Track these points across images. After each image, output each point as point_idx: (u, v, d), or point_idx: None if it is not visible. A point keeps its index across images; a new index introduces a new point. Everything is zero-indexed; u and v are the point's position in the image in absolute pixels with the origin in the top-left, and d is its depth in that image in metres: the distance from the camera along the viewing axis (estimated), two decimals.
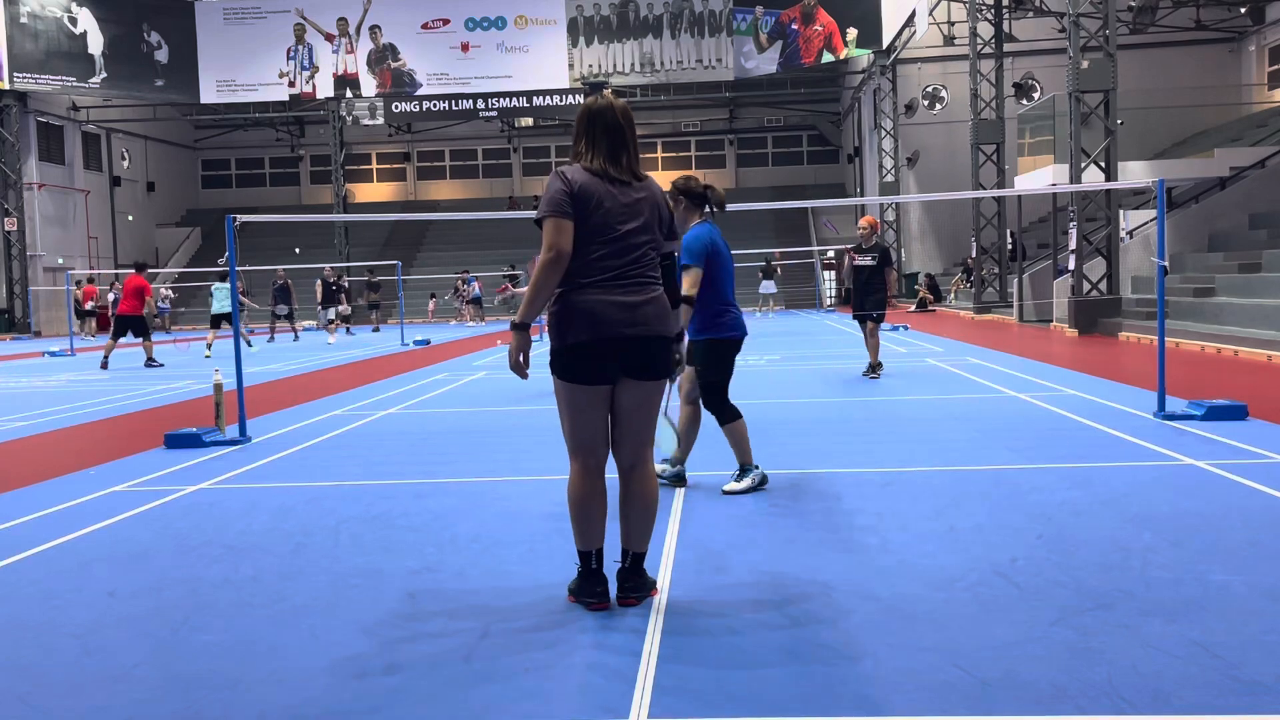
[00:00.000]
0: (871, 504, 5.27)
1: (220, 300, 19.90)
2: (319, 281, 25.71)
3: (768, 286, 32.52)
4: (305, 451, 7.60)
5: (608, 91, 3.81)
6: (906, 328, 21.32)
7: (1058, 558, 4.16)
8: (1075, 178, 18.85)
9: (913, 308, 31.76)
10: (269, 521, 5.30)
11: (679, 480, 5.93)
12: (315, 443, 7.99)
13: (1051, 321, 21.63)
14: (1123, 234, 21.60)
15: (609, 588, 3.76)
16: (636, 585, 3.78)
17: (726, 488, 5.68)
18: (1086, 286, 19.28)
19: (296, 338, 24.98)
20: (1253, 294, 15.91)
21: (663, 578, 4.08)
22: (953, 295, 32.33)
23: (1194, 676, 2.94)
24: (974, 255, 27.84)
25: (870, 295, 11.63)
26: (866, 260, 11.62)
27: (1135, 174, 22.59)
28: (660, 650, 3.28)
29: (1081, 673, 2.98)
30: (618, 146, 3.70)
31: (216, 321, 19.87)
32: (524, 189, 48.75)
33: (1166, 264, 7.99)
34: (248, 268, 32.84)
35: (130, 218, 42.92)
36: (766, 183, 46.67)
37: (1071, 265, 19.60)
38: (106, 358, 17.06)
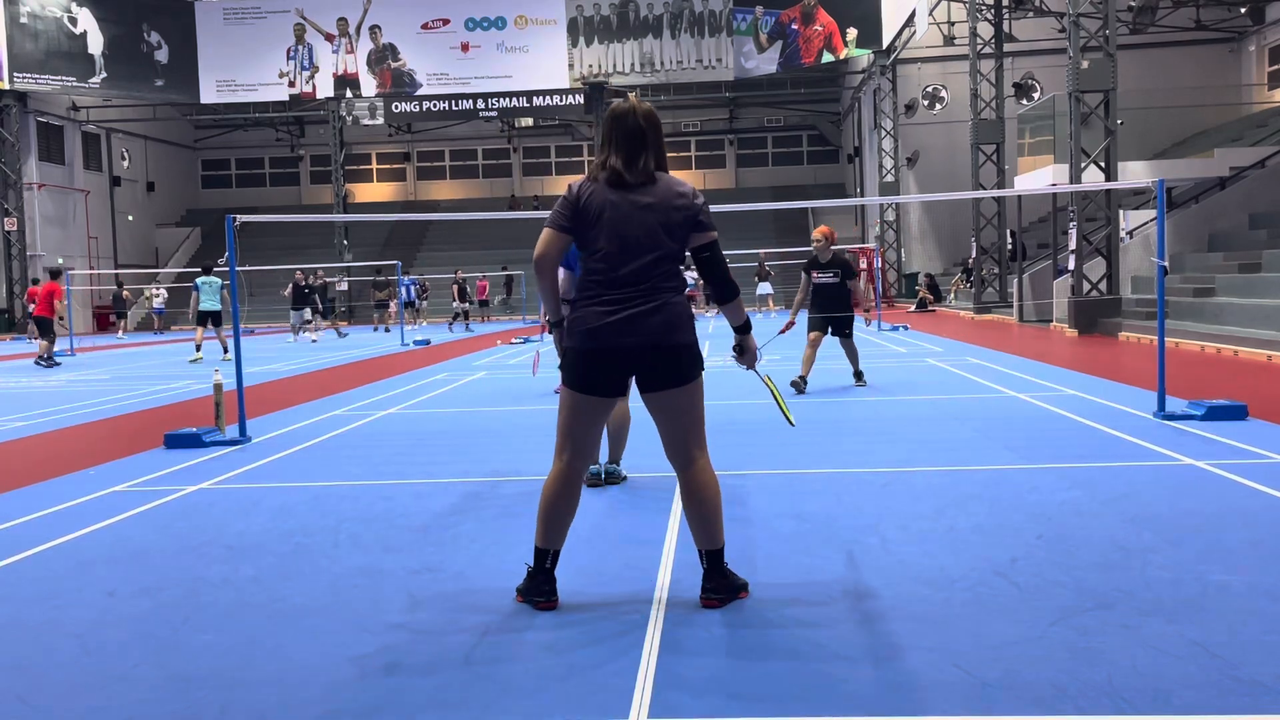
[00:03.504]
0: (871, 504, 5.27)
1: (208, 296, 18.63)
2: (290, 284, 25.54)
3: (764, 288, 32.54)
4: (305, 451, 7.60)
5: (634, 95, 3.77)
6: (906, 328, 21.32)
7: (1058, 558, 4.16)
8: (1075, 178, 18.85)
9: (913, 308, 31.76)
10: (269, 521, 5.30)
11: (599, 479, 5.95)
12: (315, 443, 7.99)
13: (1051, 321, 21.63)
14: (1123, 234, 21.62)
15: (556, 587, 3.77)
16: (718, 586, 3.74)
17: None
18: (1086, 286, 19.28)
19: (326, 337, 25.07)
20: (1253, 294, 15.91)
21: (663, 577, 4.08)
22: (953, 295, 32.33)
23: (1194, 676, 2.93)
24: (974, 255, 27.84)
25: (838, 313, 10.60)
26: (828, 277, 10.54)
27: (1135, 174, 22.59)
28: (660, 650, 3.28)
29: (1081, 673, 2.98)
30: (635, 151, 3.68)
31: (203, 319, 18.62)
32: (524, 189, 48.74)
33: (1166, 264, 7.99)
34: (247, 268, 32.85)
35: (130, 218, 42.93)
36: (766, 183, 46.67)
37: (1071, 265, 19.61)
38: (46, 355, 17.98)
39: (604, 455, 6.04)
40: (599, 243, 3.65)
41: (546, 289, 3.77)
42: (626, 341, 3.61)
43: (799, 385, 10.44)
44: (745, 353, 3.96)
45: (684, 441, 3.74)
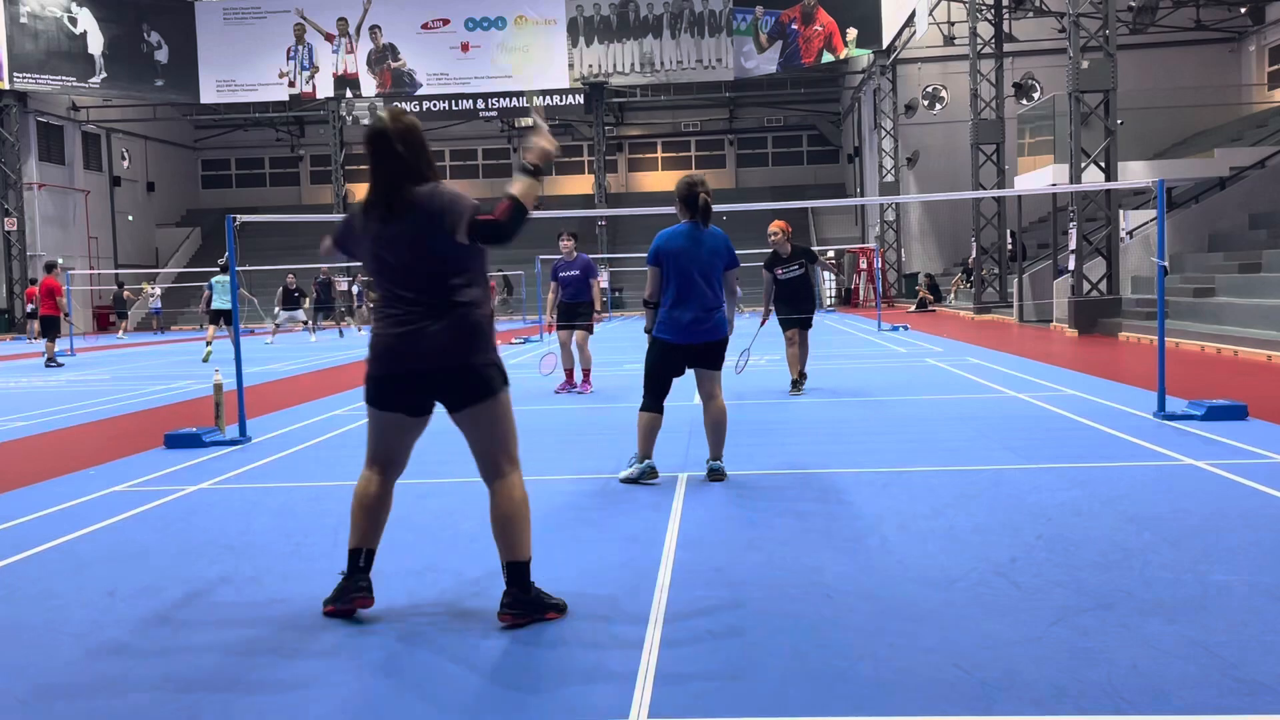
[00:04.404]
0: (871, 504, 5.27)
1: (220, 295, 19.03)
2: (281, 288, 25.57)
3: None
4: (305, 451, 7.60)
5: (384, 110, 3.65)
6: (906, 328, 21.32)
7: (1058, 558, 4.16)
8: (1075, 178, 18.85)
9: (913, 308, 31.77)
10: (269, 521, 5.30)
11: (648, 474, 6.01)
12: (315, 443, 7.99)
13: (1051, 321, 21.63)
14: (1123, 234, 21.62)
15: (371, 586, 3.75)
16: (516, 601, 3.59)
17: (620, 475, 6.08)
18: (1086, 286, 19.28)
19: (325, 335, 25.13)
20: (1253, 294, 15.91)
21: (663, 577, 4.08)
22: (953, 295, 32.33)
23: (1194, 676, 2.94)
24: (974, 255, 27.84)
25: (803, 303, 10.36)
26: (793, 270, 10.21)
27: (1135, 174, 22.60)
28: (660, 650, 3.28)
29: (1081, 673, 2.98)
30: (372, 173, 3.57)
31: (216, 317, 19.09)
32: None
33: (1166, 264, 7.99)
34: (247, 267, 32.85)
35: (130, 218, 42.93)
36: (766, 183, 46.66)
37: (1071, 265, 19.61)
38: (51, 356, 18.06)
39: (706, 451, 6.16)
40: (370, 266, 3.65)
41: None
42: (411, 366, 3.54)
43: (798, 385, 10.40)
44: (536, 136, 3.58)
45: (489, 456, 3.68)
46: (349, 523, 3.82)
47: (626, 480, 5.99)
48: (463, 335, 3.53)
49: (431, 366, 3.53)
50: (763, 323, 10.36)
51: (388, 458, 3.80)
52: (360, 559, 3.75)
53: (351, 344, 23.14)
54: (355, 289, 31.76)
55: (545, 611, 3.62)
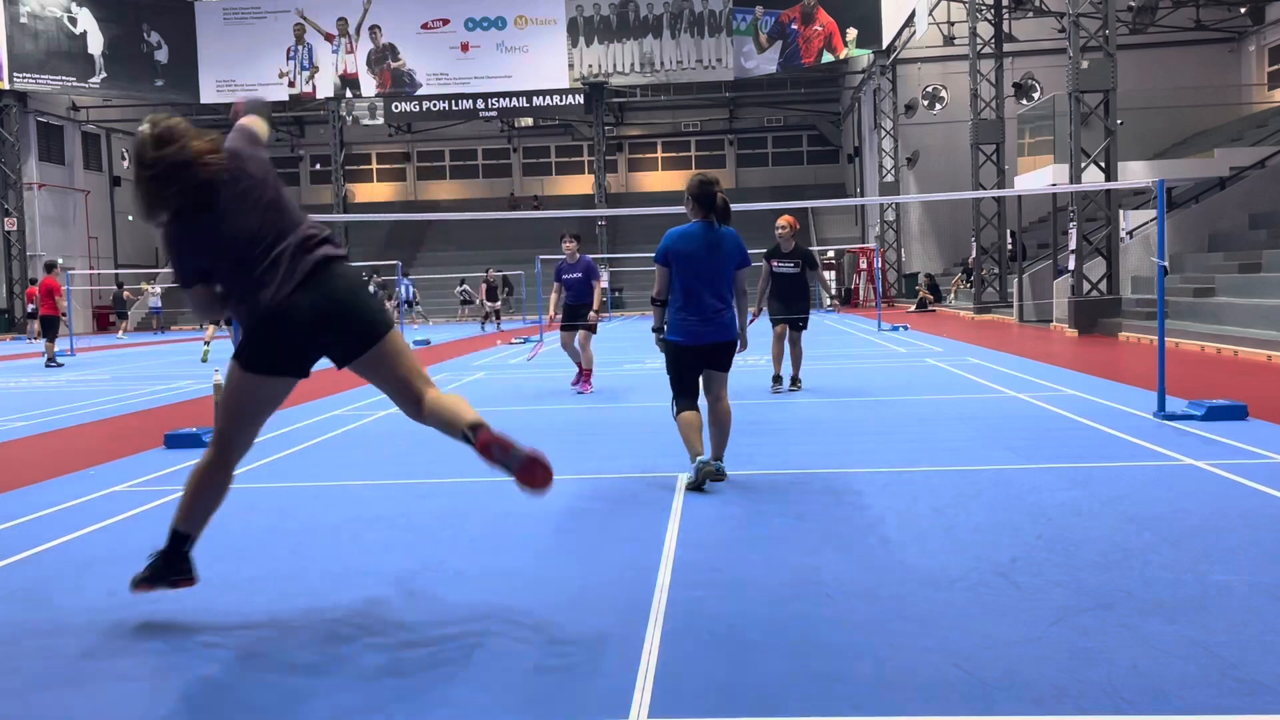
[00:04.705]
0: (871, 504, 5.27)
1: None
2: None
3: None
4: (305, 451, 7.60)
5: (144, 125, 3.58)
6: (906, 328, 21.32)
7: (1058, 558, 4.16)
8: (1075, 178, 18.86)
9: (913, 308, 31.77)
10: (269, 521, 5.30)
11: (716, 475, 5.86)
12: (315, 443, 7.99)
13: (1051, 321, 21.64)
14: (1123, 234, 21.62)
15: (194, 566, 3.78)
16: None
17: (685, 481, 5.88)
18: (1086, 286, 19.29)
19: None
20: (1253, 294, 15.91)
21: (663, 577, 4.08)
22: (953, 295, 32.34)
23: (1194, 676, 2.94)
24: (974, 255, 27.85)
25: (795, 302, 10.45)
26: (788, 267, 10.37)
27: (1135, 174, 22.60)
28: (660, 650, 3.28)
29: (1081, 673, 2.98)
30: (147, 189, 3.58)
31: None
32: (524, 189, 48.75)
33: (1166, 264, 7.99)
34: None
35: (130, 218, 42.90)
36: (766, 183, 46.68)
37: (1071, 265, 19.61)
38: (50, 356, 18.26)
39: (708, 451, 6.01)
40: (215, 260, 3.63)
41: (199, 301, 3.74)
42: (306, 301, 3.55)
43: (779, 382, 10.47)
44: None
45: (410, 384, 3.74)
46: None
47: (691, 487, 5.75)
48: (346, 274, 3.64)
49: (327, 305, 3.61)
50: (754, 318, 10.33)
51: (246, 438, 3.81)
52: (187, 544, 3.77)
53: None
54: (373, 289, 31.80)
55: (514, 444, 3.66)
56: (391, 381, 3.75)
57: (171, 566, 3.75)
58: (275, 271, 3.57)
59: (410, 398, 3.75)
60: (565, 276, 11.06)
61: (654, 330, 6.20)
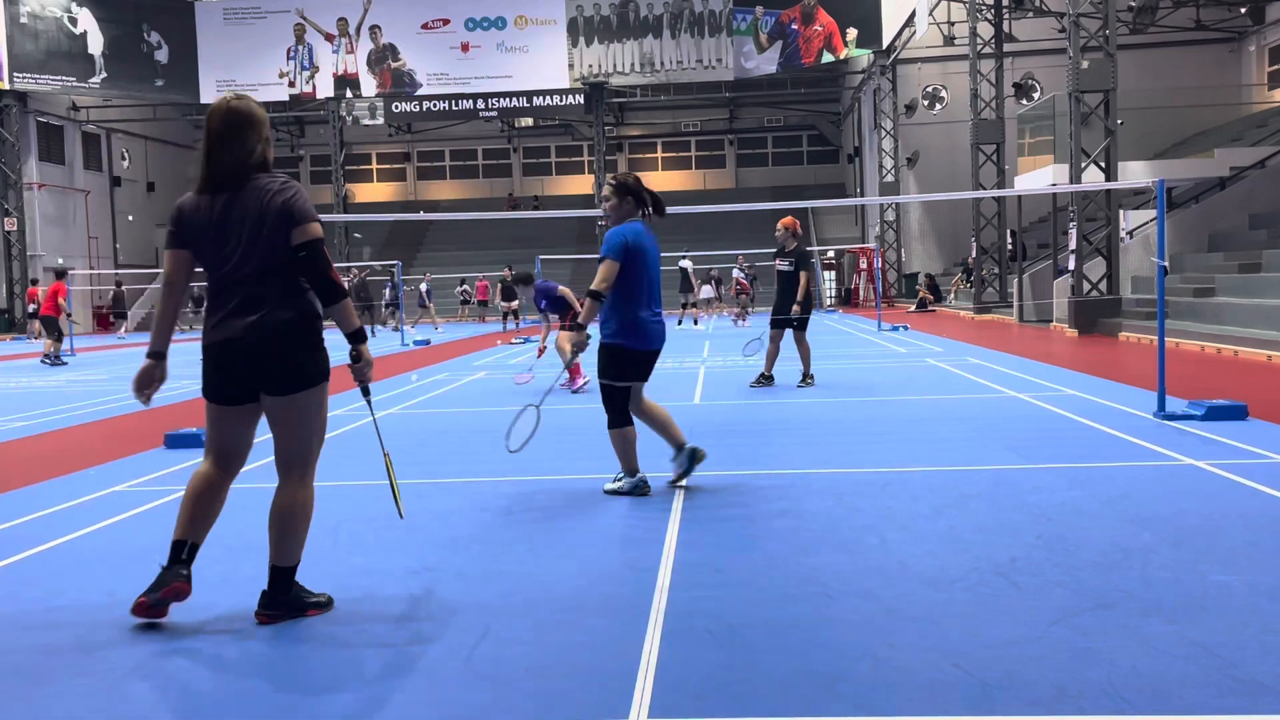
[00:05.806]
0: (871, 504, 5.27)
1: None
2: None
3: (706, 291, 32.03)
4: None
5: (229, 92, 3.70)
6: (906, 328, 21.32)
7: (1058, 558, 4.16)
8: (1075, 178, 18.85)
9: (913, 308, 31.77)
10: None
11: (641, 488, 5.69)
12: None
13: (1051, 321, 21.64)
14: (1123, 234, 21.62)
15: (191, 575, 3.76)
16: (272, 603, 3.69)
17: (606, 487, 5.79)
18: (1086, 286, 19.28)
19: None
20: (1253, 294, 15.91)
21: (663, 577, 4.08)
22: (953, 295, 32.33)
23: (1194, 676, 2.94)
24: (974, 255, 27.85)
25: (780, 303, 10.68)
26: (785, 265, 10.60)
27: (1135, 174, 22.59)
28: (660, 650, 3.28)
29: (1081, 673, 2.98)
30: (210, 154, 3.62)
31: None
32: (524, 189, 48.76)
33: (1166, 264, 7.99)
34: None
35: (130, 218, 42.94)
36: (766, 183, 46.69)
37: (1071, 265, 19.61)
38: (54, 354, 18.45)
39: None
40: (201, 261, 3.66)
41: (170, 311, 3.76)
42: (227, 336, 3.59)
43: (767, 380, 10.79)
44: (360, 360, 3.74)
45: (282, 453, 3.74)
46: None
47: (614, 492, 5.68)
48: (282, 326, 3.61)
49: (246, 342, 3.62)
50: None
51: (227, 452, 3.86)
52: (184, 551, 3.76)
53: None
54: (387, 294, 31.77)
55: (304, 610, 3.71)
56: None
57: (172, 574, 3.72)
58: (224, 302, 3.61)
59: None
60: (543, 306, 11.74)
61: (579, 326, 5.75)
